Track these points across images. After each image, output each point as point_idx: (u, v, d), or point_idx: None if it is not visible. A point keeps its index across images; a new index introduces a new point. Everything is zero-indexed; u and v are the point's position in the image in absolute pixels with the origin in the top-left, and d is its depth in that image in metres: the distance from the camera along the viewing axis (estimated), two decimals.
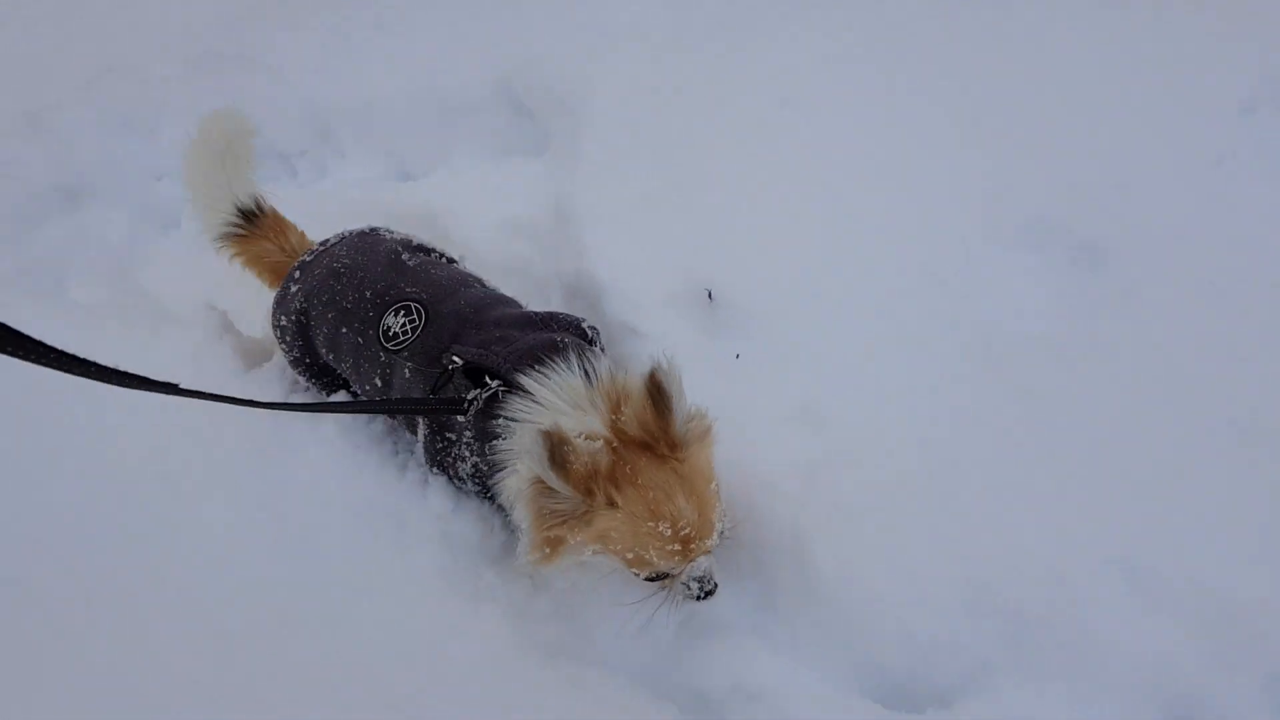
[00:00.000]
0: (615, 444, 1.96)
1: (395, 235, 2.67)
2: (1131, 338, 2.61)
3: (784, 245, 2.87)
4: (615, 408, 2.02)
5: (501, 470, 2.11)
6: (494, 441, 2.11)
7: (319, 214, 3.63)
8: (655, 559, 1.99)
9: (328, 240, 2.69)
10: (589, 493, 1.92)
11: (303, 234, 2.85)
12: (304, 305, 2.53)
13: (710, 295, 2.83)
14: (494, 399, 2.12)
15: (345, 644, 2.09)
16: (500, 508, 2.28)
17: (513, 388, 2.09)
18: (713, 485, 2.04)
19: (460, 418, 2.20)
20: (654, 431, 1.96)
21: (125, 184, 3.94)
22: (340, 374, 2.59)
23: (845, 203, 2.94)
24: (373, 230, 2.69)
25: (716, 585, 2.18)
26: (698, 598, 2.17)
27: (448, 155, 3.65)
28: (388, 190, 3.61)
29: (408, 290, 2.40)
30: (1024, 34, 3.30)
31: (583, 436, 1.95)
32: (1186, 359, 2.57)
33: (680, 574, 2.11)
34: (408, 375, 2.32)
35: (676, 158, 3.17)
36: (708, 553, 2.08)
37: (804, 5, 3.61)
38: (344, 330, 2.44)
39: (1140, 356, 2.59)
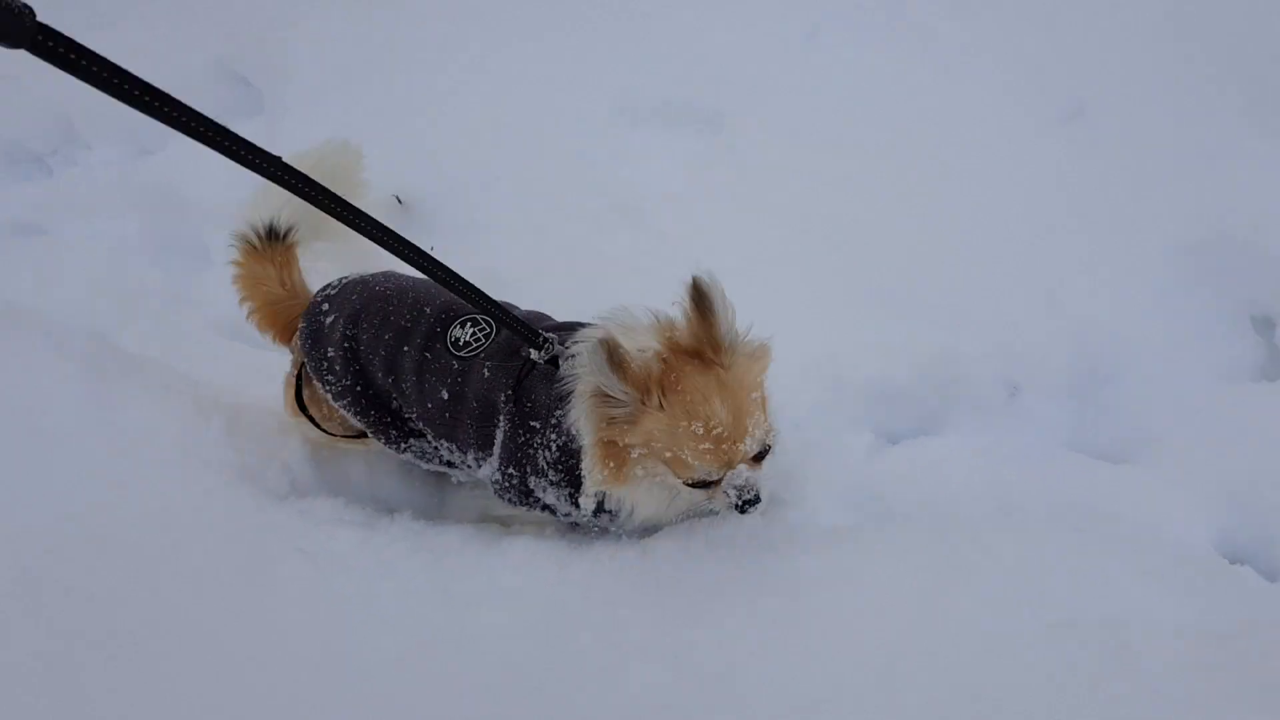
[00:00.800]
0: (666, 355, 2.03)
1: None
2: (737, 184, 3.24)
3: (453, 150, 3.40)
4: (668, 328, 2.09)
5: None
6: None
7: (77, 197, 4.02)
8: (690, 459, 2.04)
9: (344, 278, 2.62)
10: (645, 391, 1.98)
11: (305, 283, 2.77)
12: (351, 332, 2.46)
13: (399, 200, 3.34)
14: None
15: None
16: (575, 496, 2.29)
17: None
18: (755, 395, 2.09)
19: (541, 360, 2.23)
20: (700, 337, 2.03)
21: None
22: (394, 405, 2.51)
23: (502, 107, 3.49)
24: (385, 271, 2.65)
25: (759, 497, 2.19)
26: (738, 507, 2.18)
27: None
28: (130, 165, 3.99)
29: (470, 313, 2.41)
30: None
31: (637, 350, 2.02)
32: (782, 197, 3.20)
33: (723, 481, 2.14)
34: (486, 374, 2.32)
35: (371, 95, 3.67)
36: (749, 462, 2.12)
37: None
38: (406, 349, 2.40)
39: (742, 198, 3.21)
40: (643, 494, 2.26)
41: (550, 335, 2.21)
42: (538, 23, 3.74)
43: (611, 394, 1.97)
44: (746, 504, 2.16)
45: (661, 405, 1.99)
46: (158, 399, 2.73)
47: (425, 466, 2.64)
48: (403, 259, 1.87)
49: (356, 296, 2.49)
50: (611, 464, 2.10)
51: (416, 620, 2.21)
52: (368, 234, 1.79)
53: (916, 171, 3.17)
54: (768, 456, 2.17)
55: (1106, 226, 2.94)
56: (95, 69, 1.33)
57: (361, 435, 2.64)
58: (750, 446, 2.07)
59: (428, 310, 2.41)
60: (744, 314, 2.04)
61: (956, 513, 2.47)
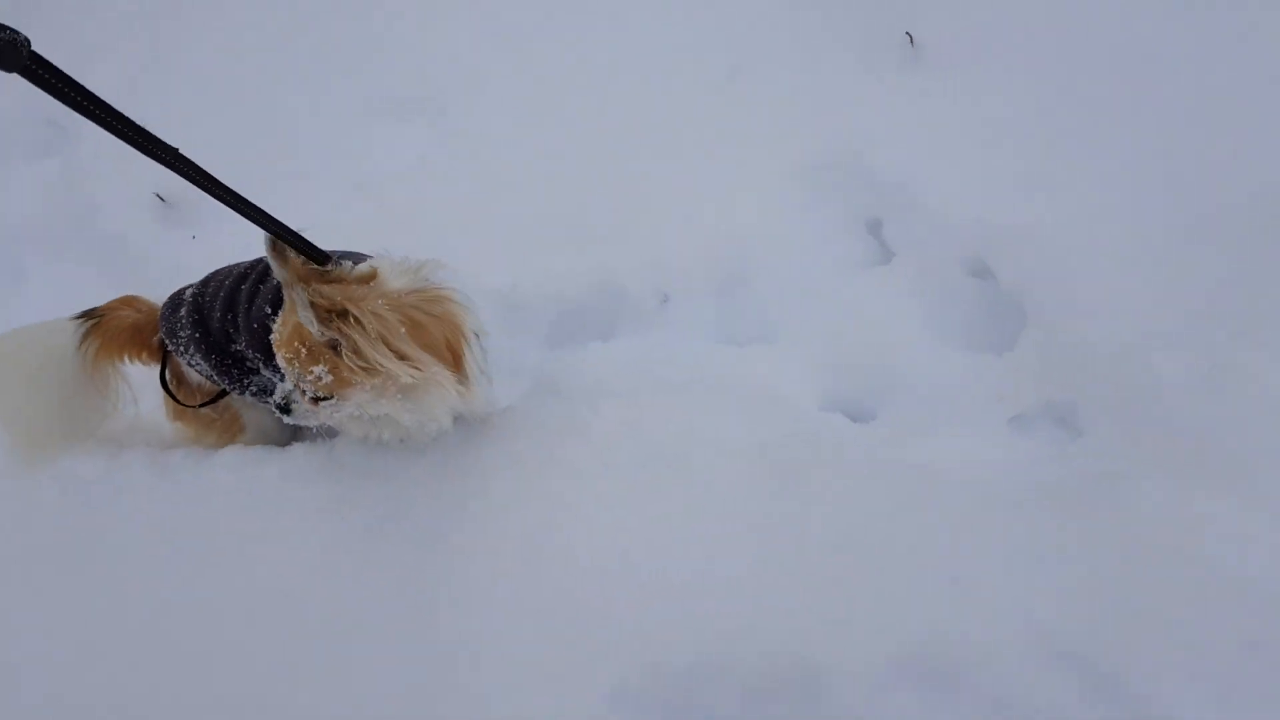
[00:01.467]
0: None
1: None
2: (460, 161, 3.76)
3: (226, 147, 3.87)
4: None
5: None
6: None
7: None
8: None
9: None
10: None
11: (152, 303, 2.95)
12: (199, 290, 2.72)
13: (161, 198, 3.81)
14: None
15: None
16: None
17: None
18: None
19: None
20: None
21: None
22: (234, 348, 2.69)
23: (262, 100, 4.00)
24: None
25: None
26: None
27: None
28: None
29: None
30: None
31: None
32: (493, 167, 3.72)
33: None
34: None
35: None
36: None
37: None
38: (242, 287, 2.62)
39: (461, 171, 3.74)
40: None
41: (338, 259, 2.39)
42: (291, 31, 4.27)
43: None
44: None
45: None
46: None
47: (268, 403, 2.78)
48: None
49: (201, 283, 2.76)
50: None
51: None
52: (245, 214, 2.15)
53: (600, 133, 3.72)
54: None
55: (743, 158, 3.50)
56: (72, 93, 1.63)
57: (217, 397, 2.88)
58: None
59: (260, 258, 2.63)
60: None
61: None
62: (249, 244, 3.62)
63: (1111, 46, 3.21)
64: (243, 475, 2.77)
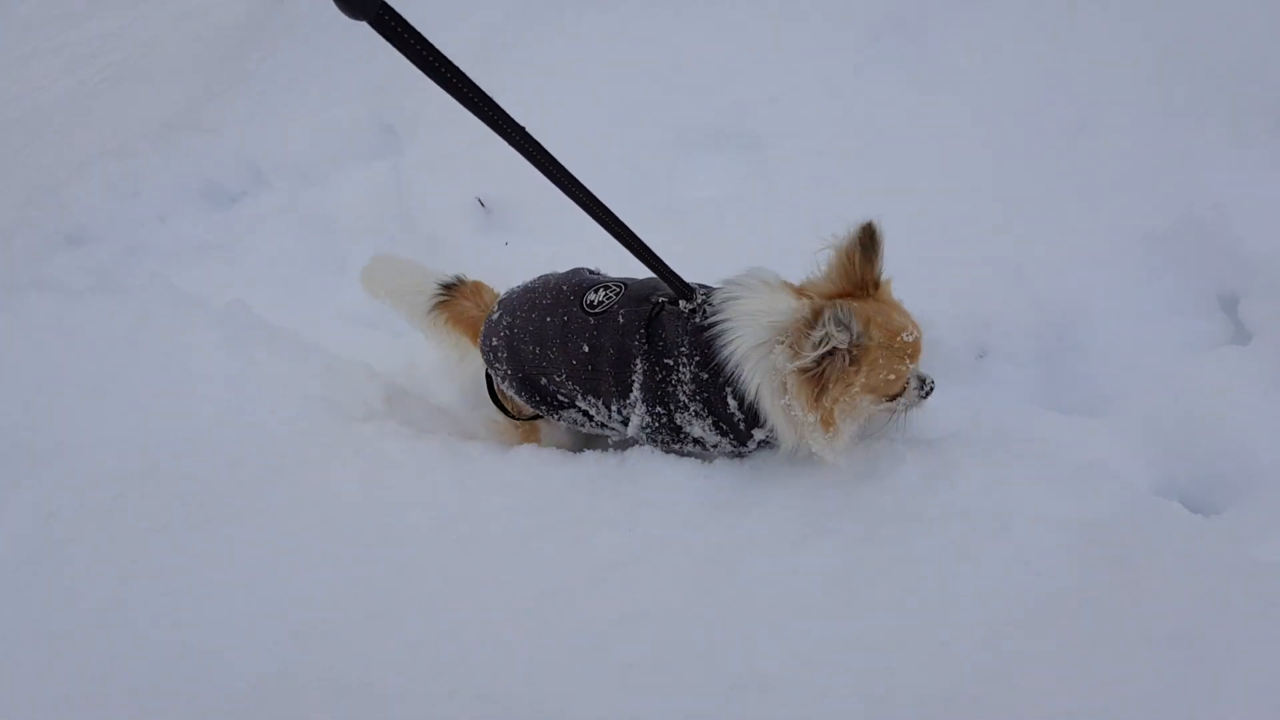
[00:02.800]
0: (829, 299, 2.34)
1: None
2: (766, 195, 3.76)
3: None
4: (796, 285, 2.50)
5: (740, 371, 2.41)
6: (718, 350, 2.42)
7: (255, 222, 4.96)
8: (903, 368, 2.38)
9: (513, 288, 3.01)
10: (868, 327, 2.27)
11: (495, 292, 3.19)
12: (510, 321, 2.81)
13: (481, 202, 4.07)
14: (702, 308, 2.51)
15: None
16: (721, 425, 2.55)
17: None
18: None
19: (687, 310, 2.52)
20: (860, 275, 2.40)
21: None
22: (543, 382, 2.80)
23: (576, 130, 4.16)
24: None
25: (934, 380, 2.59)
26: (926, 395, 2.56)
27: (339, 163, 4.98)
28: (296, 197, 4.94)
29: (604, 278, 2.80)
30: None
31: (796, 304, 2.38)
32: (809, 205, 3.68)
33: (911, 380, 2.50)
34: (621, 321, 2.57)
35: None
36: None
37: None
38: (549, 319, 2.70)
39: (772, 206, 3.73)
40: (846, 433, 2.48)
41: (696, 288, 2.55)
42: (610, 68, 4.45)
43: (843, 348, 2.23)
44: (929, 390, 2.58)
45: (873, 338, 2.29)
46: (280, 354, 3.43)
47: (585, 430, 2.97)
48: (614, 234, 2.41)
49: (515, 297, 2.88)
50: (826, 418, 2.36)
51: (439, 501, 2.77)
52: (585, 207, 2.35)
53: (925, 176, 3.60)
54: None
55: (1085, 216, 3.26)
56: (417, 47, 1.77)
57: (535, 417, 3.07)
58: None
59: (564, 288, 2.75)
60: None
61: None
62: (558, 253, 3.82)
63: None
64: (535, 474, 2.83)
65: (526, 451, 2.95)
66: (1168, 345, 2.97)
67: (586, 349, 2.62)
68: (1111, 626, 2.09)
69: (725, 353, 2.42)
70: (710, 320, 2.44)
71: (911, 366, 2.42)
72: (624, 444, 2.88)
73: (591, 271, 2.92)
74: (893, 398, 2.47)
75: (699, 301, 2.51)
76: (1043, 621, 2.14)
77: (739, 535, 2.50)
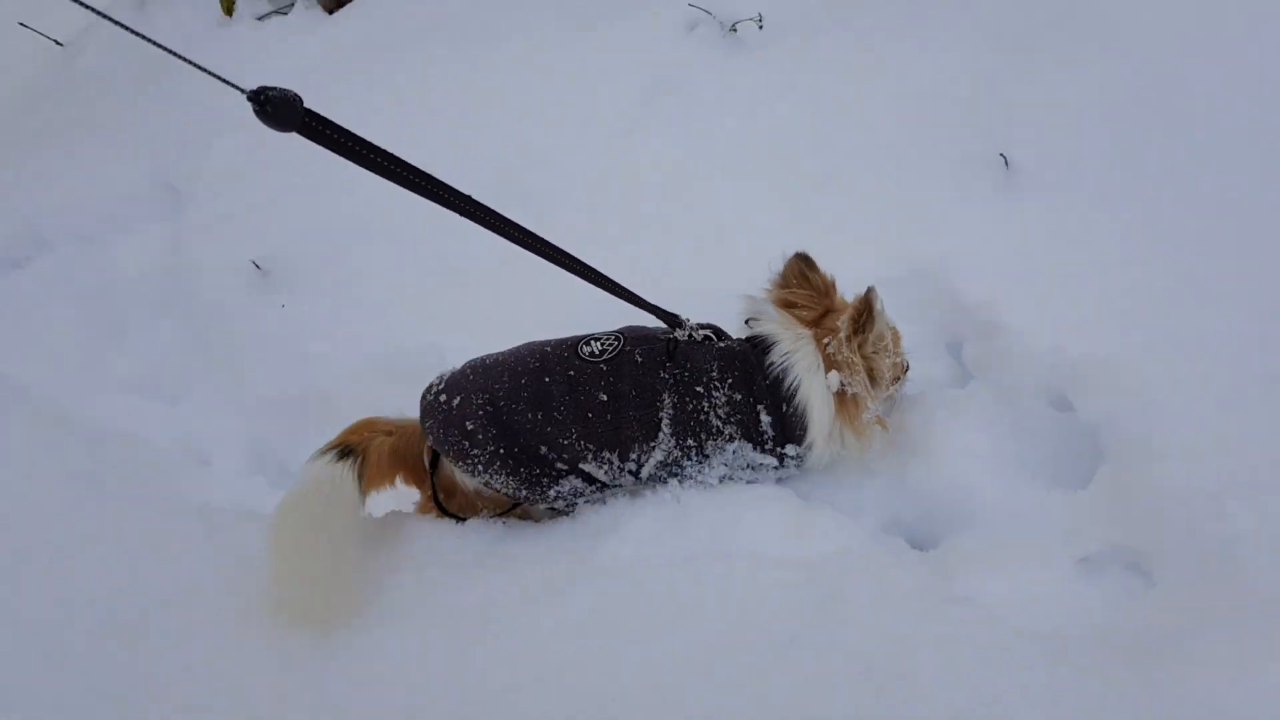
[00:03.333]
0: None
1: None
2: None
3: (310, 231, 4.09)
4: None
5: (793, 388, 2.56)
6: (763, 358, 2.58)
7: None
8: (901, 355, 2.76)
9: (441, 376, 2.70)
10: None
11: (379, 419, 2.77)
12: (486, 397, 2.52)
13: (257, 265, 4.05)
14: (710, 339, 2.69)
15: None
16: (758, 440, 2.62)
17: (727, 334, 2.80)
18: None
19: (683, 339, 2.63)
20: (826, 290, 2.76)
21: None
22: (543, 451, 2.56)
23: (362, 187, 4.20)
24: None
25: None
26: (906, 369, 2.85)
27: (121, 225, 4.85)
28: (77, 261, 4.77)
29: (589, 335, 2.67)
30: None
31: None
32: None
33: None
34: (639, 360, 2.54)
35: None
36: None
37: None
38: (546, 380, 2.52)
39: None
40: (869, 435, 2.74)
41: (687, 320, 2.72)
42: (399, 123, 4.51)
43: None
44: (907, 367, 2.85)
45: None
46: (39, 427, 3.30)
47: (564, 506, 2.77)
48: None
49: (473, 374, 2.59)
50: (855, 418, 2.65)
51: None
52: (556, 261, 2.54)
53: (685, 229, 3.79)
54: None
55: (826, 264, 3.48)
56: (348, 143, 1.82)
57: (510, 509, 2.77)
58: None
59: (548, 349, 2.60)
60: None
61: None
62: (337, 314, 3.83)
63: (1212, 176, 3.09)
64: None
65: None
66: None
67: (605, 397, 2.52)
68: (816, 662, 2.24)
69: (779, 367, 2.58)
70: (756, 339, 2.66)
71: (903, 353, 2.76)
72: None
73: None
74: (896, 380, 2.74)
75: (690, 329, 2.68)
76: (756, 658, 2.27)
77: (488, 594, 2.55)
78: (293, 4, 5.91)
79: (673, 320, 2.70)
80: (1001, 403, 2.97)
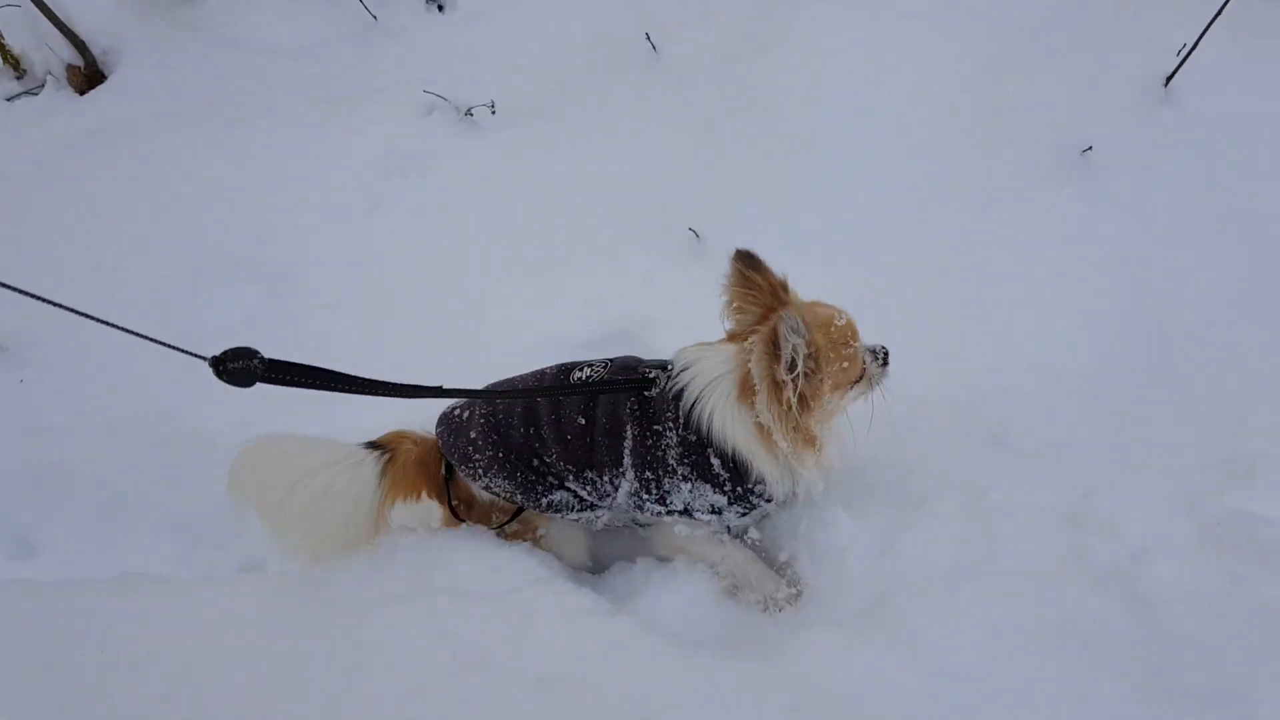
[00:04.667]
0: (756, 323, 2.57)
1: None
2: (280, 322, 4.09)
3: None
4: (729, 335, 2.68)
5: (712, 422, 2.51)
6: (690, 411, 2.54)
7: None
8: (853, 349, 2.53)
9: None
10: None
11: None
12: (488, 409, 2.77)
13: None
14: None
15: None
16: (713, 481, 2.60)
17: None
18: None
19: (656, 394, 2.61)
20: (769, 289, 2.57)
21: None
22: (534, 462, 2.75)
23: (95, 261, 4.31)
24: None
25: (885, 346, 2.73)
26: (885, 364, 2.69)
27: None
28: None
29: (583, 361, 2.82)
30: None
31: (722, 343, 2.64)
32: (324, 330, 4.05)
33: (865, 359, 2.63)
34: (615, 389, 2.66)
35: None
36: None
37: None
38: (539, 399, 2.73)
39: (296, 331, 4.06)
40: (830, 449, 2.66)
41: (655, 374, 2.66)
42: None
43: (806, 354, 2.35)
44: (885, 358, 2.71)
45: (815, 335, 2.38)
46: None
47: (568, 518, 2.91)
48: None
49: (476, 407, 2.83)
50: (808, 441, 2.52)
51: None
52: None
53: (423, 302, 4.11)
54: None
55: (545, 322, 3.90)
56: (311, 380, 1.96)
57: (515, 516, 2.92)
58: None
59: (548, 371, 2.82)
60: None
61: None
62: (78, 388, 3.91)
63: (850, 238, 3.72)
64: None
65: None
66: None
67: (583, 421, 2.67)
68: (504, 678, 2.57)
69: (699, 415, 2.53)
70: (675, 388, 2.57)
71: (858, 345, 2.58)
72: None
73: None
74: (856, 381, 2.61)
75: (664, 383, 2.63)
76: (453, 683, 2.57)
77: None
78: (43, 85, 5.89)
79: (639, 383, 2.67)
80: None
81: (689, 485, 2.62)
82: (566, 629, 2.67)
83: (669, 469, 2.60)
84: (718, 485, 2.62)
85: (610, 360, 2.78)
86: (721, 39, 4.73)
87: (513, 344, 3.78)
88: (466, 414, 2.81)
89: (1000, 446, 3.05)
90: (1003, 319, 3.56)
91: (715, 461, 2.57)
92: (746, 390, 2.49)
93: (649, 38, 4.74)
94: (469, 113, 4.79)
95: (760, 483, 2.62)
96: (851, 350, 2.55)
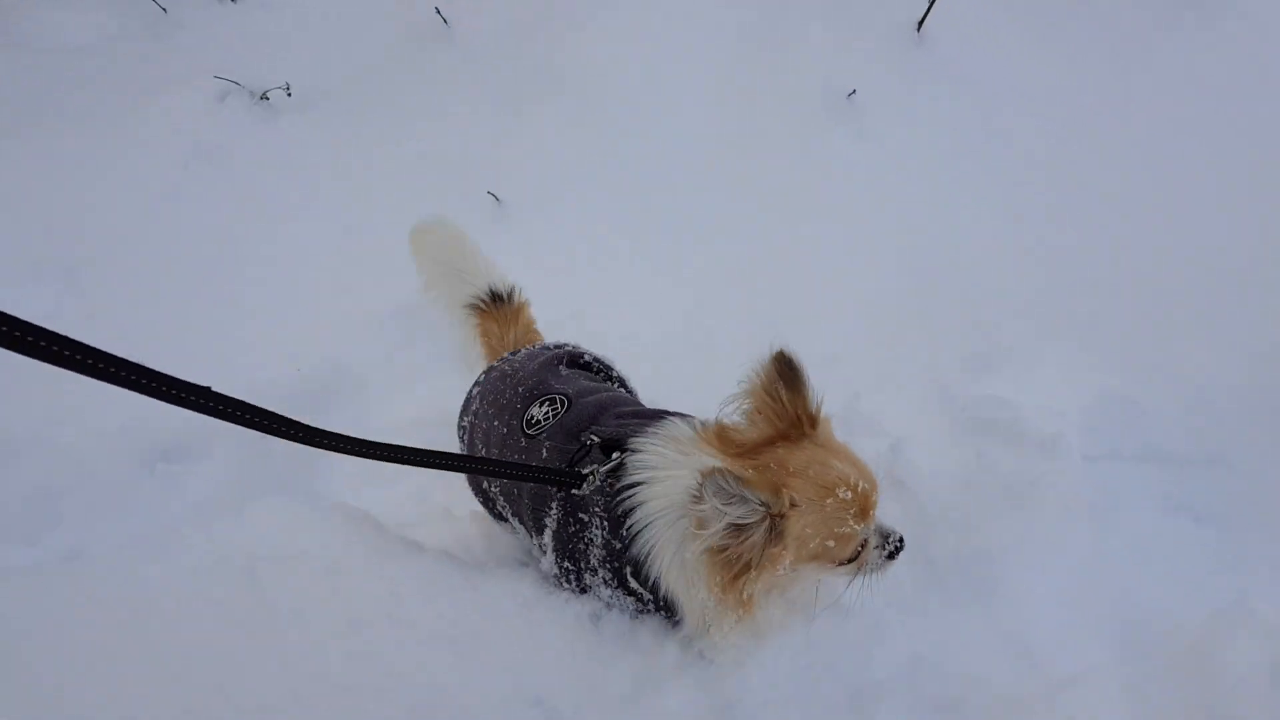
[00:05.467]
0: (746, 453, 2.02)
1: (565, 349, 2.73)
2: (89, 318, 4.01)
3: None
4: (716, 434, 2.09)
5: (646, 547, 2.06)
6: (626, 519, 2.06)
7: None
8: (850, 529, 1.98)
9: (517, 349, 2.83)
10: (777, 492, 1.89)
11: (533, 334, 3.12)
12: (477, 408, 2.62)
13: None
14: (619, 471, 2.10)
15: None
16: (634, 595, 2.21)
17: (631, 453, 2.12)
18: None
19: (587, 493, 2.13)
20: (793, 412, 2.02)
21: None
22: (489, 489, 2.57)
23: None
24: (557, 345, 2.79)
25: (902, 536, 2.19)
26: (893, 554, 2.17)
27: None
28: None
29: (555, 387, 2.43)
30: None
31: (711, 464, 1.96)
32: (132, 324, 3.99)
33: (869, 540, 2.11)
34: (544, 455, 2.26)
35: None
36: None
37: None
38: (496, 424, 2.46)
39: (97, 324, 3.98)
40: (769, 613, 2.25)
41: (591, 470, 2.12)
42: None
43: (746, 523, 1.86)
44: (898, 548, 2.18)
45: (794, 502, 1.91)
46: None
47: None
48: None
49: (493, 374, 2.68)
50: (744, 598, 2.01)
51: None
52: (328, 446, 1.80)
53: (230, 285, 4.10)
54: None
55: (356, 296, 3.96)
56: (248, 415, 1.56)
57: None
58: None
59: (520, 390, 2.48)
60: None
61: None
62: None
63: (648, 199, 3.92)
64: None
65: None
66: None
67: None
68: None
69: (641, 546, 2.08)
70: (621, 487, 2.09)
71: (860, 527, 2.04)
72: None
73: (563, 364, 2.64)
74: (843, 562, 2.09)
75: (594, 484, 2.12)
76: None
77: None
78: None
79: (568, 480, 2.16)
80: None
81: (609, 591, 2.26)
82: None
83: (591, 567, 2.23)
84: (640, 601, 2.24)
85: (568, 399, 2.38)
86: (513, 12, 4.85)
87: (319, 325, 3.85)
88: (476, 391, 2.73)
89: None
90: (785, 253, 3.82)
91: (633, 583, 2.17)
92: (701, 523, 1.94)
93: (439, 12, 4.81)
94: (264, 96, 4.77)
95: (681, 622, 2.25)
96: (847, 531, 2.01)
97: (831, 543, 2.00)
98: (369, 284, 4.07)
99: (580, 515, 2.19)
